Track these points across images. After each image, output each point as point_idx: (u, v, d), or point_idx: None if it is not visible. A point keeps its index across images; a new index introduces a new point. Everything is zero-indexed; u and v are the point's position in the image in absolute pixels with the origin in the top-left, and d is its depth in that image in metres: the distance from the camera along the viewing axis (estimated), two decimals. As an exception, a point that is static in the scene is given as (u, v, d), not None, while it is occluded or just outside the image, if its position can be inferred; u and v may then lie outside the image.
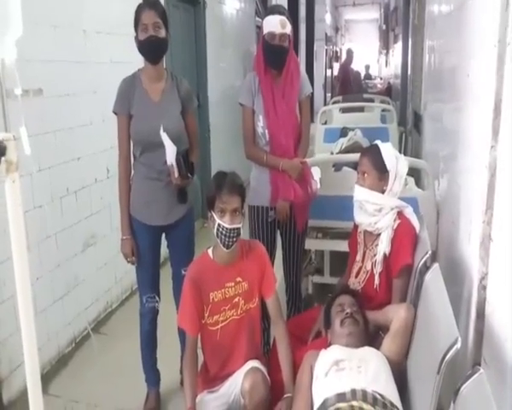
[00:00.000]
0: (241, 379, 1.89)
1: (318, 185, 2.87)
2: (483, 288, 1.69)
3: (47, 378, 2.68)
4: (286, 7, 2.95)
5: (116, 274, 3.48)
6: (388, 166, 2.08)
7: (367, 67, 12.59)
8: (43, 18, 2.67)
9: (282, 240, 2.66)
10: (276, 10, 2.40)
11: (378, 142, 2.20)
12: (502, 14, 1.57)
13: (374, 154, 2.12)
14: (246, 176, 2.37)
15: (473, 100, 2.00)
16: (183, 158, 2.16)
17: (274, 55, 2.40)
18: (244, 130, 2.52)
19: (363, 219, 2.14)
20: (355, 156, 3.51)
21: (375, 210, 2.08)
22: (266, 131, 2.45)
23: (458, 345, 1.32)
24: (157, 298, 2.41)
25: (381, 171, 2.08)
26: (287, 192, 2.47)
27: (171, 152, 2.14)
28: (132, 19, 2.18)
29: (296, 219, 2.56)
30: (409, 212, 2.14)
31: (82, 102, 3.05)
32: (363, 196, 2.10)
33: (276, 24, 2.35)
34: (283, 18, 2.36)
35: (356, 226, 2.27)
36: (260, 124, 2.46)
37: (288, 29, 2.38)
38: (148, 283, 2.39)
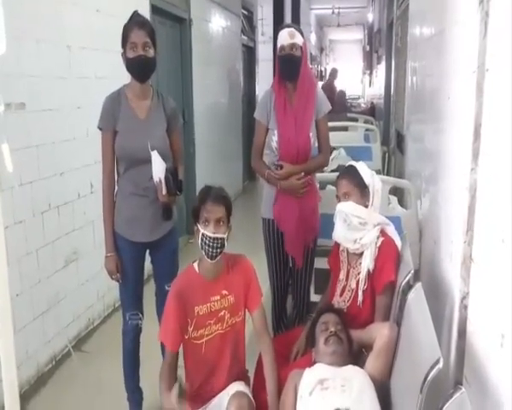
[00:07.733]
0: (225, 402, 1.86)
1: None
2: (464, 307, 1.71)
3: (25, 398, 2.61)
4: (272, 26, 3.10)
5: (98, 291, 3.43)
6: (367, 182, 2.17)
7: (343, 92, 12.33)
8: (27, 32, 2.67)
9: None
10: (285, 25, 2.51)
11: (352, 162, 2.28)
12: (480, 42, 1.62)
13: (352, 173, 2.20)
14: (232, 192, 2.37)
15: (453, 122, 2.04)
16: (172, 175, 2.17)
17: (286, 65, 2.47)
18: (254, 142, 2.65)
19: (347, 234, 2.14)
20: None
21: (359, 223, 2.10)
22: (279, 147, 2.53)
23: (440, 365, 1.34)
24: (140, 315, 2.39)
25: (362, 187, 2.16)
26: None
27: (159, 169, 2.14)
28: (118, 35, 2.19)
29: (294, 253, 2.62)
30: (391, 230, 2.19)
31: (65, 117, 3.03)
32: (348, 208, 2.12)
33: (284, 37, 2.43)
34: (291, 29, 2.45)
35: (337, 244, 2.28)
36: (275, 138, 2.53)
37: (298, 39, 2.44)
38: (132, 300, 2.37)
